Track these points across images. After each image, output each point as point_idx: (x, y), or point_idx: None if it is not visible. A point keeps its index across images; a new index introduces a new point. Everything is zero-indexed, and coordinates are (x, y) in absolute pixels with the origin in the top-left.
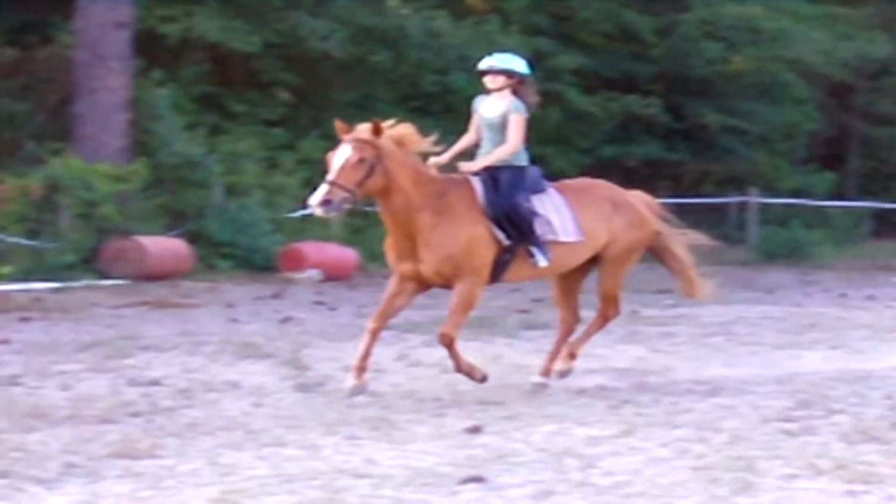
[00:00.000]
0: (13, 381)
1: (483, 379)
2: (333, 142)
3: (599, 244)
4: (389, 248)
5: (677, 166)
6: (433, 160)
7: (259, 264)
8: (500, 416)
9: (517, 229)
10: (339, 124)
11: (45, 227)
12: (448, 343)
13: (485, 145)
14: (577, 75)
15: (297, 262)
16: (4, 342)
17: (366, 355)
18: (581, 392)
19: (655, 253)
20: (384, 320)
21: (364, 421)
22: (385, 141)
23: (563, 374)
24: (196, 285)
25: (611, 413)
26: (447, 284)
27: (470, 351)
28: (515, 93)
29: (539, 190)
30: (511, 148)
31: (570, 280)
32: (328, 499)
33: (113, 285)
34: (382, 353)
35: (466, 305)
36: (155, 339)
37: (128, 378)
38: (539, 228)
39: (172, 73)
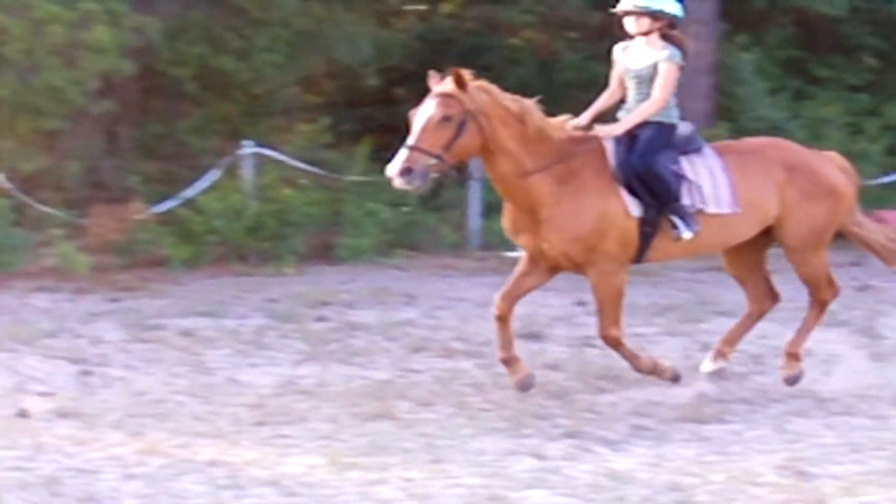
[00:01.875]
0: (587, 342)
1: (675, 377)
2: None
3: (768, 218)
4: (505, 218)
5: None
6: (572, 122)
7: None
8: None
9: (654, 196)
10: (432, 75)
11: None
12: (614, 343)
13: (630, 101)
14: None
15: None
16: (580, 304)
17: (504, 345)
18: None
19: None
20: (509, 303)
21: None
22: (473, 93)
23: (789, 380)
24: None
25: None
26: (578, 269)
27: None
28: (665, 38)
29: (691, 150)
30: (658, 104)
31: (747, 251)
32: (893, 470)
33: None
34: None
35: (613, 297)
36: (729, 303)
37: (700, 342)
38: (685, 195)
39: (758, 37)
